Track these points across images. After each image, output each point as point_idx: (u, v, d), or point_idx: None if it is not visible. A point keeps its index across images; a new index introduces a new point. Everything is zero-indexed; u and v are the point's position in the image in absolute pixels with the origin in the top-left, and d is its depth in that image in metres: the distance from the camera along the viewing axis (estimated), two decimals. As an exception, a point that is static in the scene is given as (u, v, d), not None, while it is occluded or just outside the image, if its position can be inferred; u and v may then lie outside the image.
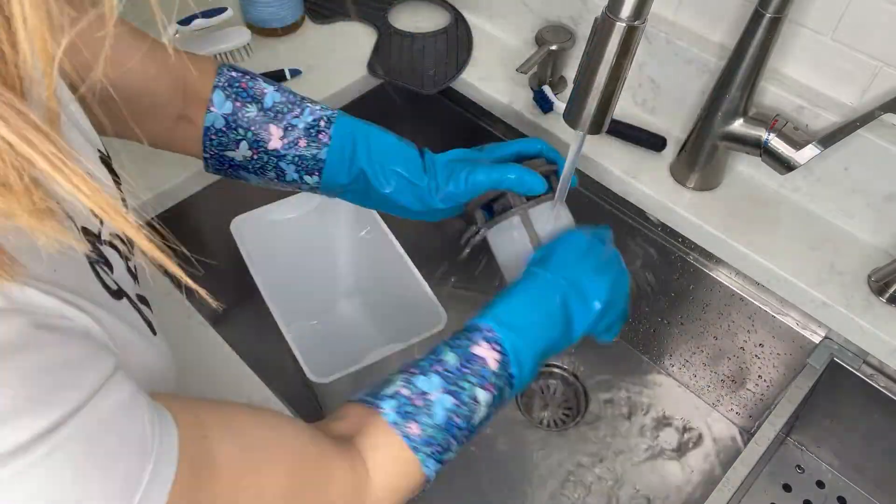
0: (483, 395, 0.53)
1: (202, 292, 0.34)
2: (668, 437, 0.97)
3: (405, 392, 0.51)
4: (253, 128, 0.61)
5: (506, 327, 0.55)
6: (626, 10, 0.48)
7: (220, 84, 0.61)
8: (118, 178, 0.46)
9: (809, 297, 0.76)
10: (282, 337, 0.76)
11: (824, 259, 0.78)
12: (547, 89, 0.90)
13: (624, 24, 0.49)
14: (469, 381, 0.53)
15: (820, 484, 0.91)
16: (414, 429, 0.50)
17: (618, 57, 0.51)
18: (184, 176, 0.82)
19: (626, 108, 0.91)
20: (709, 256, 0.85)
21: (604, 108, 0.54)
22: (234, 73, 0.61)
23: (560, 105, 0.90)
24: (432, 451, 0.50)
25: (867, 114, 0.68)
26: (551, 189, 0.65)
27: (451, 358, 0.53)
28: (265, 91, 0.62)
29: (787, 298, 0.78)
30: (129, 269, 0.43)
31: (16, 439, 0.27)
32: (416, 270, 0.82)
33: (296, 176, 0.64)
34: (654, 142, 0.86)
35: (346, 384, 0.75)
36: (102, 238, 0.40)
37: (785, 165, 0.73)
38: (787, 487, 0.91)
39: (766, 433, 0.73)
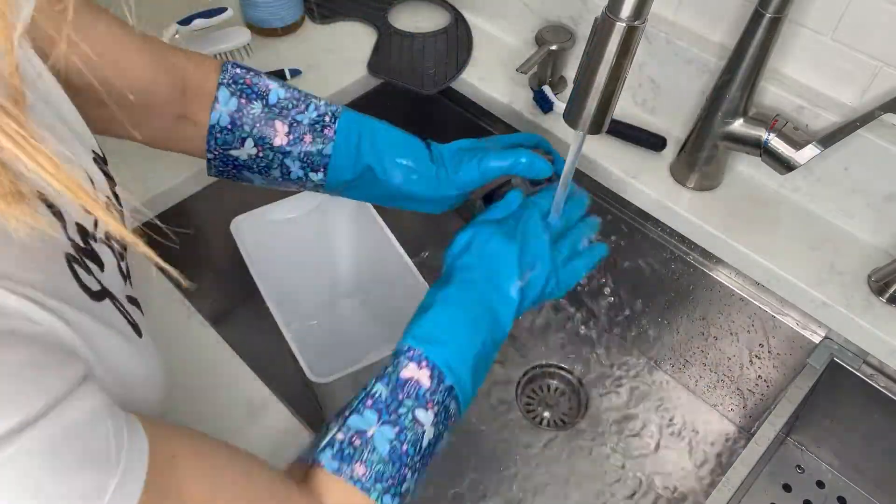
0: (424, 415, 0.51)
1: (172, 271, 0.33)
2: (668, 437, 0.97)
3: (340, 436, 0.49)
4: (258, 125, 0.61)
5: (425, 342, 0.53)
6: (626, 10, 0.48)
7: (225, 81, 0.60)
8: (113, 180, 0.45)
9: (809, 297, 0.76)
10: (282, 337, 0.76)
11: (824, 259, 0.78)
12: (547, 89, 0.90)
13: (624, 24, 0.49)
14: (405, 406, 0.51)
15: (820, 484, 0.91)
16: (359, 469, 0.48)
17: (618, 57, 0.51)
18: (184, 176, 0.82)
19: (626, 108, 0.91)
20: (709, 256, 0.85)
21: (604, 108, 0.54)
22: (238, 70, 0.61)
23: (560, 105, 0.90)
24: (386, 485, 0.49)
25: (867, 114, 0.68)
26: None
27: (380, 389, 0.52)
28: (270, 87, 0.62)
29: (787, 298, 0.78)
30: (120, 269, 0.42)
31: None
32: (416, 271, 0.82)
33: (301, 173, 0.64)
34: (654, 142, 0.86)
35: (346, 384, 0.75)
36: (97, 236, 0.40)
37: (785, 165, 0.73)
38: (787, 487, 0.91)
39: (766, 433, 0.73)
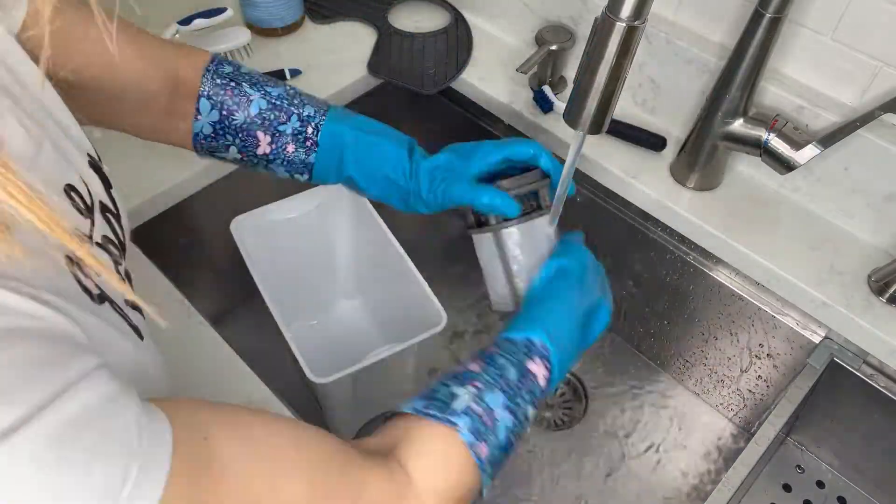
0: (532, 413, 0.50)
1: (143, 305, 0.33)
2: (668, 437, 0.97)
3: (477, 409, 0.47)
4: (240, 135, 0.62)
5: (556, 344, 0.53)
6: (626, 10, 0.48)
7: (205, 94, 0.61)
8: (109, 182, 0.45)
9: (809, 297, 0.76)
10: (282, 337, 0.76)
11: (824, 259, 0.78)
12: (547, 89, 0.90)
13: (624, 24, 0.49)
14: (523, 398, 0.50)
15: (820, 484, 0.91)
16: (483, 450, 0.47)
17: (618, 57, 0.51)
18: (184, 176, 0.82)
19: (626, 108, 0.91)
20: (709, 256, 0.85)
21: (604, 108, 0.54)
22: (218, 81, 0.61)
23: (560, 105, 0.90)
24: (491, 473, 0.48)
25: (867, 114, 0.68)
26: (539, 206, 0.64)
27: (512, 373, 0.50)
28: (251, 99, 0.62)
29: (787, 298, 0.78)
30: (118, 273, 0.42)
31: None
32: (416, 270, 0.82)
33: (286, 175, 0.66)
34: (654, 142, 0.86)
35: (346, 384, 0.75)
36: (94, 240, 0.40)
37: (785, 165, 0.73)
38: (787, 487, 0.91)
39: (766, 433, 0.73)
